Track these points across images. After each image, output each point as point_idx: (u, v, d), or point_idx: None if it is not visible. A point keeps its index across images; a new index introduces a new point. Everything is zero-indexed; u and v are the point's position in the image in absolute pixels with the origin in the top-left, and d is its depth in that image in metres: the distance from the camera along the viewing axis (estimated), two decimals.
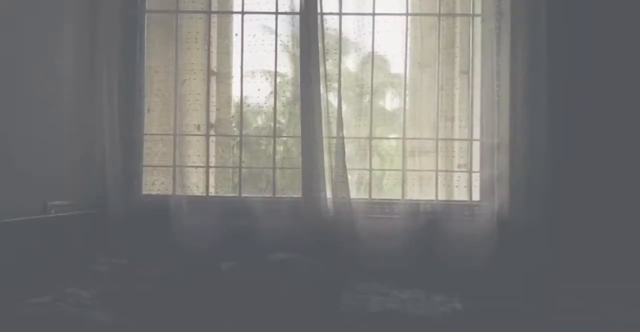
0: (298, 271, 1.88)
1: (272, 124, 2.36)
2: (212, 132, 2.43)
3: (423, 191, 2.31)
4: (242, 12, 2.36)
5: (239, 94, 2.38)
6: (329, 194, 2.20)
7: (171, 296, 1.72)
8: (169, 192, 2.29)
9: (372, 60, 2.32)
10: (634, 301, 1.88)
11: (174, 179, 2.32)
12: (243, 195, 2.33)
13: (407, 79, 2.35)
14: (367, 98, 2.33)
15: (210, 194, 2.37)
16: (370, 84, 2.31)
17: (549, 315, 1.81)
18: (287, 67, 2.34)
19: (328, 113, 2.25)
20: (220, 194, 2.42)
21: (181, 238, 2.17)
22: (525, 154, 2.17)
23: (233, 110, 2.48)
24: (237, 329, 1.65)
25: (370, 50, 2.33)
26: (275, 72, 2.34)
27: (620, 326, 1.79)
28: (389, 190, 2.37)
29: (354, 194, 2.24)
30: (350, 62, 2.42)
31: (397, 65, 2.42)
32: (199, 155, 2.37)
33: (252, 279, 1.84)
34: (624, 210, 2.15)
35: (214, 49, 2.41)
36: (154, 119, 2.33)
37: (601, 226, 2.14)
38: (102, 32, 2.20)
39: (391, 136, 2.43)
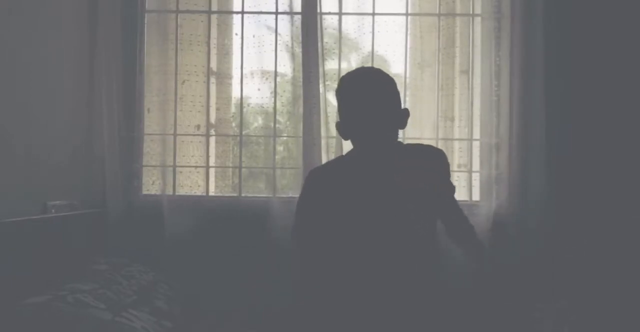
0: None
1: (272, 124, 2.36)
2: (212, 132, 2.43)
3: None
4: (242, 12, 2.36)
5: (239, 94, 2.38)
6: None
7: None
8: (169, 192, 2.29)
9: (372, 60, 2.32)
10: (634, 302, 1.88)
11: (174, 179, 2.32)
12: (243, 195, 2.34)
13: (407, 79, 2.35)
14: None
15: (210, 194, 2.37)
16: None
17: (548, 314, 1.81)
18: (287, 67, 2.34)
19: (326, 113, 2.25)
20: (220, 194, 2.43)
21: (179, 238, 2.17)
22: (525, 153, 2.17)
23: (233, 110, 2.48)
24: None
25: (370, 50, 2.33)
26: (275, 72, 2.34)
27: (621, 326, 1.79)
28: None
29: None
30: (351, 62, 2.42)
31: (397, 65, 2.42)
32: (200, 156, 2.37)
33: None
34: (625, 210, 2.15)
35: (214, 49, 2.41)
36: (154, 119, 2.33)
37: (601, 225, 2.14)
38: (102, 32, 2.20)
39: None
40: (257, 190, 2.45)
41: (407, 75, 2.35)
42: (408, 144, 1.75)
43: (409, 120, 1.63)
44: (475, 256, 1.75)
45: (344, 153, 2.22)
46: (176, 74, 2.33)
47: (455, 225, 1.74)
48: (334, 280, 1.61)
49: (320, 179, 1.67)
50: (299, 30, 2.25)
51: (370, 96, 1.56)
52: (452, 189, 1.71)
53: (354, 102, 1.59)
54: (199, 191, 2.36)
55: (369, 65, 2.31)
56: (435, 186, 1.64)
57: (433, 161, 1.66)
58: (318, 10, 2.24)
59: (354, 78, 1.62)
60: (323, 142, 2.23)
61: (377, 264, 1.57)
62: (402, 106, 1.62)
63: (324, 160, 2.22)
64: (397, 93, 1.62)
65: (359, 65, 2.39)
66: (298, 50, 2.27)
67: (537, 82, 2.16)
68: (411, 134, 2.30)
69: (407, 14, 2.36)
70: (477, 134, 2.32)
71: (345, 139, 1.66)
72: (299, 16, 2.26)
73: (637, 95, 2.21)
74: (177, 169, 2.33)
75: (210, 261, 2.20)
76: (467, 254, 1.75)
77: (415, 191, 1.61)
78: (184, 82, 2.35)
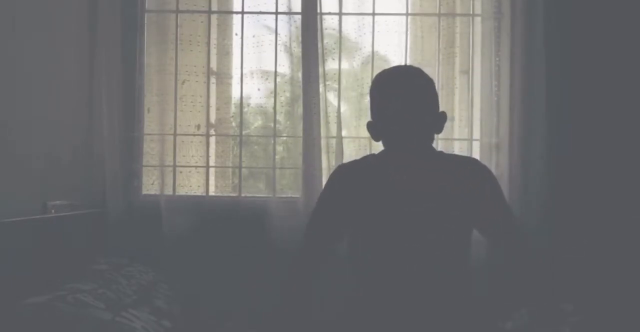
0: None
1: (272, 124, 2.36)
2: (212, 132, 2.43)
3: None
4: (242, 12, 2.36)
5: (239, 94, 2.38)
6: None
7: None
8: (169, 192, 2.29)
9: (372, 60, 2.32)
10: (634, 302, 1.88)
11: (174, 179, 2.32)
12: (243, 195, 2.33)
13: None
14: (368, 98, 2.32)
15: (210, 194, 2.37)
16: (370, 84, 2.30)
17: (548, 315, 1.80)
18: (286, 67, 2.33)
19: (327, 113, 2.25)
20: (220, 194, 2.43)
21: (179, 238, 2.17)
22: (525, 153, 2.17)
23: (233, 110, 2.48)
24: None
25: (370, 50, 2.33)
26: (275, 72, 2.34)
27: (620, 327, 1.79)
28: None
29: None
30: (351, 62, 2.42)
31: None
32: (200, 156, 2.37)
33: None
34: (624, 210, 2.15)
35: (214, 49, 2.41)
36: (154, 119, 2.33)
37: (601, 226, 2.14)
38: (102, 32, 2.20)
39: None
40: (256, 190, 2.45)
41: None
42: (450, 154, 1.72)
43: None
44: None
45: (343, 153, 2.24)
46: (176, 74, 2.33)
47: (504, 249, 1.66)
48: (356, 280, 1.59)
49: (348, 176, 1.63)
50: (299, 31, 2.25)
51: (407, 96, 1.51)
52: (497, 208, 1.59)
53: (389, 102, 1.54)
54: (198, 191, 2.36)
55: (369, 65, 2.32)
56: (468, 200, 1.55)
57: (473, 176, 1.59)
58: (318, 11, 2.24)
59: (391, 76, 1.58)
60: (323, 142, 2.22)
61: (398, 268, 1.54)
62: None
63: (324, 160, 2.22)
64: (436, 95, 1.58)
65: (360, 66, 2.40)
66: (298, 50, 2.27)
67: (538, 82, 2.16)
68: None
69: (407, 14, 2.36)
70: (477, 134, 2.31)
71: (377, 140, 1.62)
72: (299, 16, 2.26)
73: (637, 95, 2.21)
74: (177, 169, 2.33)
75: (210, 261, 2.20)
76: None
77: (446, 201, 1.53)
78: (184, 82, 2.35)
